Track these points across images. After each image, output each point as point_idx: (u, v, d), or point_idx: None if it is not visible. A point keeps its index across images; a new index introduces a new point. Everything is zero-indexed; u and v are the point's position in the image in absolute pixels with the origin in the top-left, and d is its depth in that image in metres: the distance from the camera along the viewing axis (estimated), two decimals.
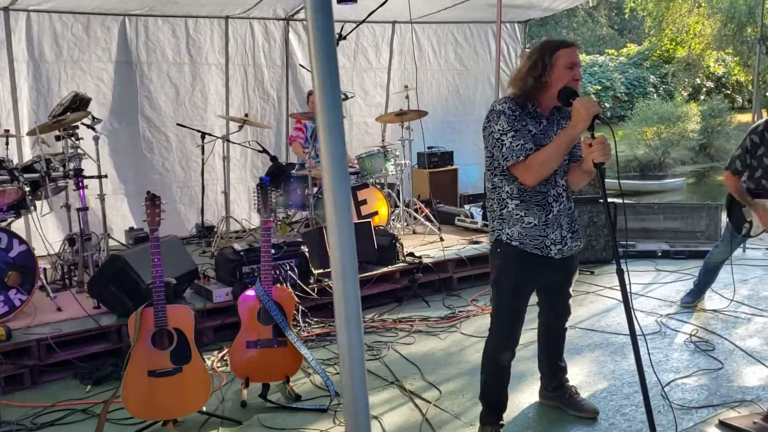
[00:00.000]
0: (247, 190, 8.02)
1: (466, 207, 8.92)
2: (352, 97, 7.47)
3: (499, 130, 3.12)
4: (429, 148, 8.80)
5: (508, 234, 3.24)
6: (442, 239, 6.85)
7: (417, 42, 9.04)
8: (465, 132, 9.67)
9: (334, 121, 1.51)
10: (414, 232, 7.23)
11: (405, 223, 7.35)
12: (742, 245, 7.01)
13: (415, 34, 9.00)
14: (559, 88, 3.10)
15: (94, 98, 7.00)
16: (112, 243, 6.14)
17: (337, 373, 4.43)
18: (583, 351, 4.73)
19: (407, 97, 7.51)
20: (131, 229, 7.28)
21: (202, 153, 6.90)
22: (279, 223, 7.36)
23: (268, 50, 8.04)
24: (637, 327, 4.80)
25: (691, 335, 4.92)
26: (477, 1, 7.85)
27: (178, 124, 7.07)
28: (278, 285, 4.96)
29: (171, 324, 3.67)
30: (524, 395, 4.06)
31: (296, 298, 5.16)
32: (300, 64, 7.95)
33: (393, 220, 7.10)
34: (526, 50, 10.02)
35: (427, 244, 6.74)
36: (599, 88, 31.70)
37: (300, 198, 6.78)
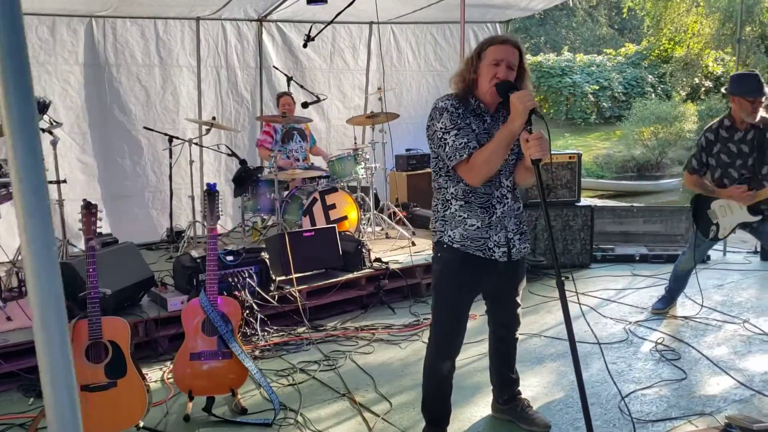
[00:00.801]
0: (222, 195, 7.88)
1: None
2: (324, 99, 7.34)
3: (441, 128, 3.02)
4: (407, 150, 8.68)
5: (449, 236, 3.14)
6: (413, 244, 6.72)
7: (395, 43, 8.92)
8: None
9: (26, 139, 1.10)
10: (387, 237, 7.10)
11: (379, 228, 7.22)
12: (719, 247, 6.89)
13: (393, 35, 8.87)
14: (489, 86, 3.00)
15: (60, 102, 6.93)
16: (75, 250, 6.02)
17: (290, 384, 4.32)
18: (544, 360, 4.60)
19: (380, 99, 7.37)
20: (100, 234, 7.14)
21: (170, 157, 6.79)
22: (250, 229, 7.25)
23: (242, 52, 7.92)
24: (601, 335, 4.70)
25: (656, 344, 4.78)
26: (452, 1, 7.70)
27: (144, 128, 6.95)
28: (225, 295, 4.90)
29: (106, 336, 3.56)
30: (477, 408, 3.93)
31: (255, 306, 5.09)
32: (274, 66, 7.83)
33: (364, 224, 6.97)
34: None
35: (398, 249, 6.61)
36: (597, 87, 31.53)
37: (269, 202, 6.66)
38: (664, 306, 5.46)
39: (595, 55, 35.25)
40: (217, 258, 4.02)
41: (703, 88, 29.65)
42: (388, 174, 8.54)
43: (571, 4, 34.67)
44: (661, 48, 33.19)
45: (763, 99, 4.59)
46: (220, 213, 4.16)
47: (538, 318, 5.47)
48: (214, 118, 6.89)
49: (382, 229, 7.25)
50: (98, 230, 3.90)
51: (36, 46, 6.72)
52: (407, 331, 5.19)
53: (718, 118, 4.89)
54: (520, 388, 3.75)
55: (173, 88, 7.56)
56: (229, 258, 5.18)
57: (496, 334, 3.60)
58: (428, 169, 8.63)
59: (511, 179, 3.19)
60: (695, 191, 5.02)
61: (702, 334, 5.00)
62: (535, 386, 4.18)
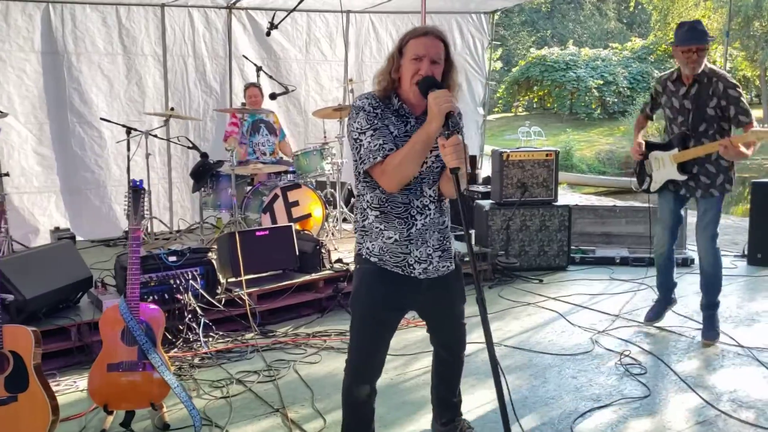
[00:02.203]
0: (189, 189, 7.61)
1: None
2: (293, 90, 7.04)
3: (357, 128, 2.71)
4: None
5: (368, 249, 2.83)
6: None
7: (375, 33, 8.60)
8: None
9: None
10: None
11: (351, 225, 6.91)
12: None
13: (372, 24, 8.55)
14: (411, 83, 2.69)
15: (15, 90, 6.67)
16: (17, 246, 5.76)
17: (224, 397, 4.03)
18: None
19: (352, 91, 7.06)
20: (57, 229, 6.89)
21: (128, 149, 6.49)
22: (213, 227, 6.97)
23: (210, 40, 7.61)
24: (565, 345, 4.38)
25: (621, 356, 4.46)
26: None
27: (101, 119, 6.66)
28: (147, 301, 4.62)
29: (7, 346, 3.27)
30: (418, 425, 3.63)
31: (198, 310, 4.80)
32: (243, 55, 7.51)
33: (331, 222, 6.67)
34: (494, 43, 9.56)
35: None
36: (601, 82, 31.12)
37: (230, 198, 6.35)
38: (656, 315, 5.05)
39: (601, 49, 34.83)
40: (139, 261, 3.71)
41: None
42: None
43: None
44: (669, 42, 32.72)
45: (703, 47, 4.29)
46: (146, 212, 3.86)
47: (502, 325, 5.15)
48: (172, 109, 6.59)
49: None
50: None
51: None
52: None
53: (670, 70, 4.69)
54: (471, 402, 3.44)
55: (138, 78, 7.27)
56: (172, 258, 4.89)
57: (438, 356, 3.28)
58: None
59: (435, 188, 2.85)
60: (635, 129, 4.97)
61: (674, 345, 4.68)
62: (482, 402, 3.87)
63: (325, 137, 6.82)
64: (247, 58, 7.41)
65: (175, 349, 4.64)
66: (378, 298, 2.84)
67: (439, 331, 3.17)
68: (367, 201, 2.80)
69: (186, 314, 4.79)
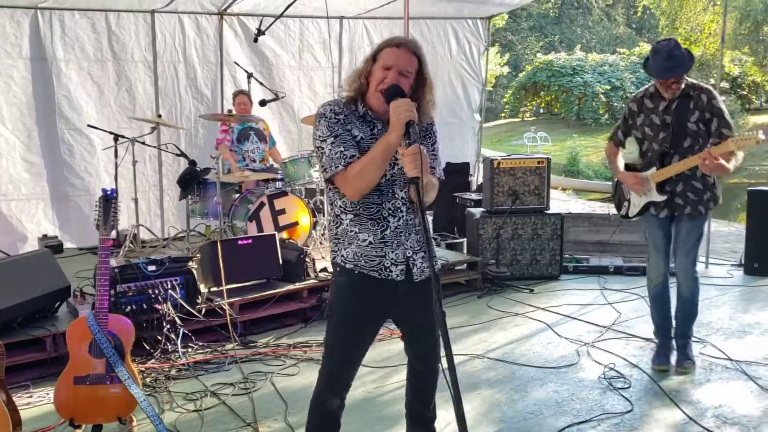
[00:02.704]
0: (172, 198, 7.59)
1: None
2: (283, 97, 6.98)
3: (320, 136, 2.68)
4: None
5: (342, 256, 2.77)
6: None
7: (369, 39, 8.54)
8: None
9: None
10: None
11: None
12: (701, 259, 6.38)
13: (366, 30, 8.49)
14: (374, 90, 2.66)
15: (3, 97, 6.65)
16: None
17: (196, 410, 3.95)
18: (480, 386, 4.19)
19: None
20: (44, 236, 6.86)
21: (115, 156, 6.44)
22: (202, 235, 6.91)
23: (201, 47, 7.56)
24: (550, 358, 4.28)
25: (605, 369, 4.36)
26: None
27: (89, 125, 6.62)
28: (125, 312, 4.57)
29: None
30: None
31: (178, 320, 4.73)
32: (235, 62, 7.46)
33: (319, 230, 6.59)
34: (489, 48, 9.48)
35: None
36: (608, 88, 30.97)
37: (216, 206, 6.28)
38: (664, 360, 4.40)
39: (608, 54, 34.68)
40: (108, 272, 3.64)
41: (719, 89, 28.95)
42: None
43: (604, 3, 34.02)
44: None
45: (681, 76, 4.03)
46: (117, 222, 3.79)
47: (487, 336, 5.05)
48: (159, 116, 6.53)
49: None
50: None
51: None
52: None
53: (644, 86, 4.36)
54: (448, 416, 3.32)
55: (128, 85, 7.23)
56: (151, 268, 4.82)
57: (413, 368, 3.16)
58: None
59: (407, 191, 2.81)
60: (608, 160, 4.59)
61: None
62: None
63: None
64: (238, 64, 7.36)
65: (153, 360, 4.56)
66: (354, 309, 2.79)
67: (415, 341, 3.08)
68: (340, 206, 2.76)
69: (165, 324, 4.72)
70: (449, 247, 6.66)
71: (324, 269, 5.69)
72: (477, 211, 6.61)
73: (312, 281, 5.48)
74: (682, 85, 4.06)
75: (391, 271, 2.76)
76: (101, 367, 3.55)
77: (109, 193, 3.82)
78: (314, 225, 6.44)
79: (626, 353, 4.66)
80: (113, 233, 3.94)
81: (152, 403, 4.01)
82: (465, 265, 6.34)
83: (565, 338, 4.96)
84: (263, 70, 7.84)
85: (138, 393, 3.52)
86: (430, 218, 7.76)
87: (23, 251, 6.83)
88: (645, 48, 33.06)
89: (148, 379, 4.33)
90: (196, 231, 6.90)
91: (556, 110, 35.31)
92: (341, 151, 2.61)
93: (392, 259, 2.75)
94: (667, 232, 4.34)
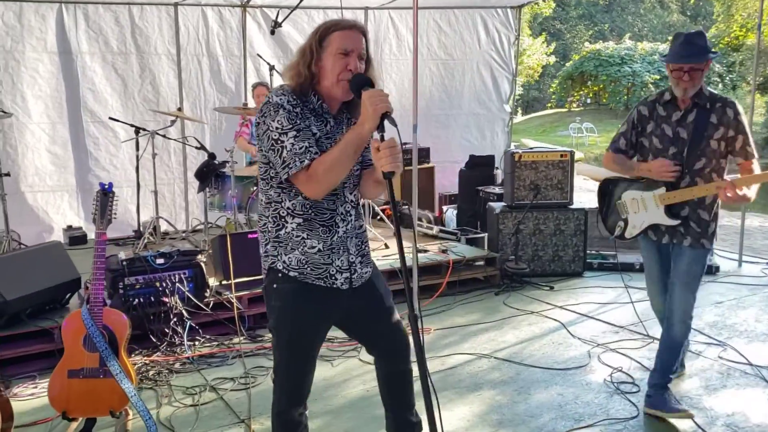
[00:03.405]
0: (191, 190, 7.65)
1: (445, 208, 8.29)
2: None
3: (277, 128, 2.45)
4: (403, 144, 8.15)
5: (284, 262, 2.57)
6: (386, 246, 6.27)
7: (394, 30, 8.42)
8: (452, 127, 8.99)
9: None
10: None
11: None
12: (734, 256, 6.04)
13: (391, 21, 8.38)
14: (338, 80, 2.48)
15: (29, 90, 6.75)
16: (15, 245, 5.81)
17: (193, 405, 3.95)
18: (482, 387, 4.08)
19: None
20: (69, 227, 6.97)
21: (137, 149, 6.49)
22: (222, 228, 6.91)
23: (224, 39, 7.56)
24: (560, 359, 4.14)
25: (612, 372, 4.20)
26: None
27: (110, 118, 6.68)
28: (125, 306, 4.59)
29: None
30: None
31: (185, 313, 4.74)
32: (258, 54, 7.43)
33: None
34: (520, 38, 9.27)
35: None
36: (658, 77, 30.20)
37: (236, 198, 6.28)
38: (656, 403, 3.71)
39: (659, 43, 33.78)
40: (104, 266, 3.64)
41: None
42: None
43: None
44: (732, 35, 31.48)
45: (698, 66, 3.44)
46: (114, 216, 3.78)
47: (498, 335, 4.93)
48: (179, 109, 6.55)
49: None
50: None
51: (2, 32, 6.53)
52: (347, 345, 4.74)
53: (658, 90, 3.84)
54: (446, 419, 3.19)
55: (152, 78, 7.28)
56: (159, 261, 4.84)
57: (381, 370, 2.96)
58: (425, 164, 8.12)
59: (356, 193, 2.66)
60: (613, 170, 3.92)
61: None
62: (459, 418, 3.68)
63: None
64: (261, 56, 7.33)
65: (159, 353, 4.58)
66: (308, 317, 2.62)
67: (377, 337, 2.87)
68: (287, 208, 2.56)
69: (172, 317, 4.73)
70: (469, 242, 6.52)
71: None
72: (498, 206, 6.47)
73: None
74: (697, 86, 3.50)
75: (336, 279, 2.60)
76: (95, 361, 3.55)
77: (106, 187, 3.80)
78: None
79: (640, 355, 4.49)
80: (120, 225, 3.95)
81: (151, 397, 4.05)
82: (483, 261, 6.21)
83: (579, 338, 4.81)
84: (286, 62, 7.78)
85: (129, 387, 3.52)
86: (430, 214, 7.61)
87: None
88: None
89: (151, 372, 4.34)
90: (215, 224, 6.91)
91: (604, 100, 34.61)
92: (305, 147, 2.43)
93: (338, 266, 2.59)
94: (664, 260, 3.79)
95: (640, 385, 4.02)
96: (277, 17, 5.90)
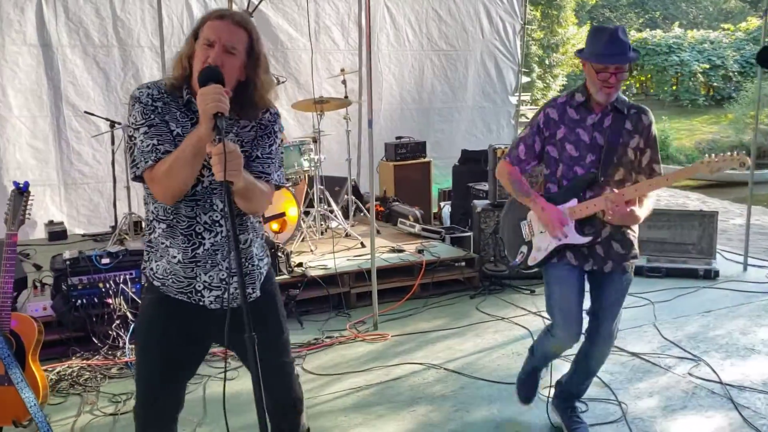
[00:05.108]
0: None
1: (442, 205, 7.98)
2: (284, 82, 6.71)
3: (132, 123, 2.28)
4: (397, 138, 7.88)
5: (152, 270, 2.39)
6: (362, 245, 6.01)
7: (391, 19, 8.13)
8: (456, 120, 8.66)
9: None
10: (347, 236, 6.38)
11: (335, 224, 6.52)
12: (739, 258, 5.54)
13: (387, 10, 8.08)
14: (197, 74, 2.23)
15: (9, 83, 6.68)
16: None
17: (112, 414, 3.77)
18: (418, 402, 3.80)
19: (343, 82, 6.66)
20: (51, 222, 6.91)
21: (112, 143, 6.39)
22: None
23: None
24: (515, 370, 3.80)
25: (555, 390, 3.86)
26: None
27: (85, 112, 6.58)
28: (53, 307, 4.46)
29: None
30: None
31: (130, 315, 4.58)
32: None
33: (308, 222, 6.31)
34: (527, 27, 8.87)
35: (344, 251, 5.91)
36: (707, 66, 29.01)
37: None
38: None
39: (710, 31, 32.51)
40: (13, 270, 3.49)
41: None
42: (378, 164, 7.82)
43: None
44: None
45: (624, 68, 2.99)
46: (28, 216, 3.63)
47: (457, 343, 4.64)
48: None
49: (350, 226, 6.54)
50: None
51: None
52: (296, 352, 4.50)
53: (567, 91, 3.36)
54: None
55: (135, 71, 7.14)
56: (104, 261, 4.68)
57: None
58: (421, 159, 7.80)
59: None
60: (505, 186, 3.33)
61: (640, 378, 4.04)
62: None
63: (317, 131, 6.44)
64: None
65: (99, 357, 4.43)
66: (162, 333, 2.39)
67: (260, 362, 2.59)
68: (153, 211, 2.36)
69: (115, 319, 4.58)
70: (454, 241, 6.21)
71: (300, 264, 5.41)
72: (481, 204, 6.14)
73: (284, 277, 5.20)
74: (619, 90, 3.06)
75: (202, 296, 2.36)
76: (2, 368, 3.41)
77: (21, 186, 3.65)
78: (304, 216, 6.18)
79: (603, 369, 4.12)
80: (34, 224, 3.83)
81: (75, 404, 3.89)
82: (464, 261, 5.89)
83: None
84: (278, 54, 7.60)
85: (29, 397, 3.35)
86: (418, 212, 7.27)
87: (32, 237, 6.94)
88: (753, 23, 30.74)
89: (84, 377, 4.19)
90: None
91: (652, 90, 33.55)
92: (153, 145, 2.22)
93: (204, 282, 2.35)
94: (581, 289, 3.21)
95: (590, 405, 3.69)
96: (248, 6, 5.68)
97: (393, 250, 5.91)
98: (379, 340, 4.70)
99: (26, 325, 3.52)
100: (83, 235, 6.91)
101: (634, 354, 4.34)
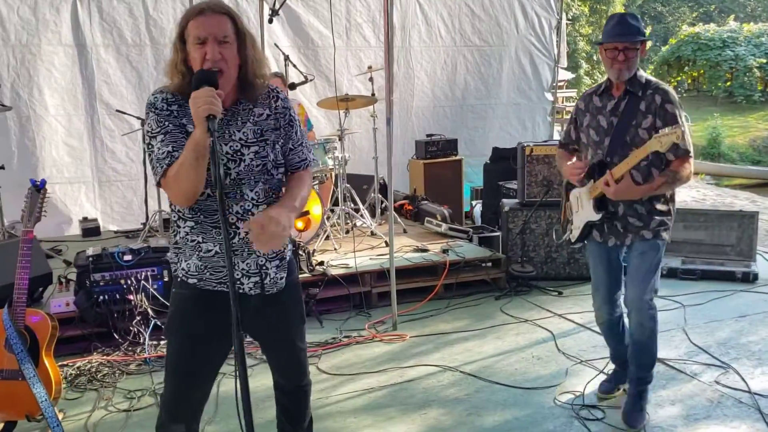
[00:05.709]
0: None
1: (474, 203, 7.88)
2: (312, 80, 6.69)
3: (148, 131, 2.33)
4: (428, 135, 7.79)
5: (184, 269, 2.43)
6: (386, 244, 5.95)
7: (423, 15, 8.04)
8: (490, 118, 8.53)
9: None
10: (372, 234, 6.34)
11: (359, 223, 6.48)
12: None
13: (419, 6, 8.00)
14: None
15: (45, 83, 6.83)
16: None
17: (125, 410, 3.80)
18: (431, 405, 3.72)
19: (371, 79, 6.60)
20: (85, 219, 7.03)
21: (143, 141, 6.45)
22: None
23: None
24: (532, 376, 3.77)
25: (575, 396, 3.74)
26: None
27: (117, 111, 6.67)
28: (75, 303, 4.51)
29: None
30: None
31: (150, 312, 4.61)
32: (275, 44, 7.24)
33: (333, 220, 6.28)
34: (565, 22, 8.68)
35: (368, 250, 5.86)
36: (764, 61, 28.08)
37: None
38: (607, 389, 3.77)
39: None
40: (28, 266, 3.54)
41: None
42: (409, 163, 7.76)
43: None
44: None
45: (632, 46, 3.19)
46: (44, 214, 3.67)
47: (476, 346, 4.54)
48: None
49: (377, 225, 6.49)
50: None
51: (18, 26, 6.62)
52: (312, 351, 4.47)
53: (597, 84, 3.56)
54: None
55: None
56: (127, 258, 4.73)
57: (277, 385, 2.79)
58: (452, 157, 7.70)
59: (258, 190, 2.40)
60: (558, 163, 3.77)
61: (664, 385, 3.88)
62: None
63: (340, 129, 6.40)
64: (277, 46, 7.14)
65: (119, 352, 4.47)
66: (196, 327, 2.44)
67: (276, 356, 2.72)
68: (178, 212, 2.41)
69: (136, 315, 4.62)
70: (481, 241, 6.10)
71: (321, 263, 5.38)
72: (509, 203, 6.02)
73: (305, 275, 5.18)
74: (632, 69, 3.22)
75: (242, 284, 2.41)
76: (15, 362, 3.46)
77: (38, 183, 3.70)
78: (329, 214, 6.15)
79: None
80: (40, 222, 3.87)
81: (92, 399, 3.94)
82: (491, 262, 5.79)
83: (564, 353, 4.35)
84: (308, 52, 7.59)
85: (40, 392, 3.40)
86: (446, 210, 7.16)
87: (68, 233, 7.08)
88: None
89: (102, 373, 4.24)
90: None
91: (704, 87, 32.64)
92: (168, 151, 2.25)
93: (243, 269, 2.40)
94: (610, 266, 3.54)
95: (609, 412, 3.56)
96: (273, 5, 5.68)
97: (417, 250, 5.84)
98: (397, 341, 4.64)
99: (40, 321, 3.56)
100: (116, 232, 7.02)
101: (659, 360, 4.15)
